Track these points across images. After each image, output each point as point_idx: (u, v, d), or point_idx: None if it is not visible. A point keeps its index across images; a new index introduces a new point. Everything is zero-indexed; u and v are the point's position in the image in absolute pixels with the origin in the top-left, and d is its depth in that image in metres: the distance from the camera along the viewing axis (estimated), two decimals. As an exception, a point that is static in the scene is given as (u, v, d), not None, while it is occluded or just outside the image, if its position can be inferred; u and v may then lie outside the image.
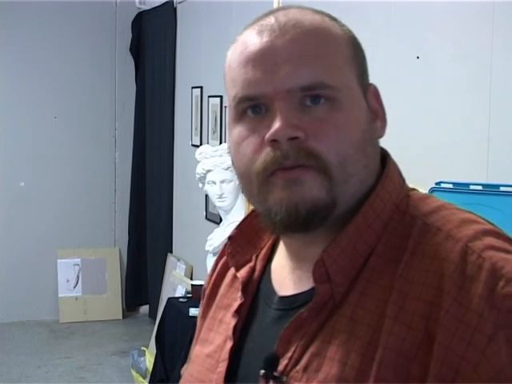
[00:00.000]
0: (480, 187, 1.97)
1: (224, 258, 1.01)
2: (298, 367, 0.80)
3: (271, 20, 0.84)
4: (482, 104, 2.23)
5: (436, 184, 2.06)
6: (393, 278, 0.79)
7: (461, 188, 2.00)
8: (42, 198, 5.74)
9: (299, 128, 0.80)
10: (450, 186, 2.03)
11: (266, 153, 0.81)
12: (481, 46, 2.23)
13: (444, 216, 0.82)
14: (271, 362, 0.81)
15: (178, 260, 4.96)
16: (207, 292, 1.02)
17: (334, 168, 0.80)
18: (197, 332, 1.01)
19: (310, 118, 0.81)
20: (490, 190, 1.95)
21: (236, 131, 0.86)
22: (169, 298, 3.87)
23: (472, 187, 1.99)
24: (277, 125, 0.80)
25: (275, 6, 2.76)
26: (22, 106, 5.65)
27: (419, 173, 2.39)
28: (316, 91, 0.81)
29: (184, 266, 4.81)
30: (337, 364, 0.77)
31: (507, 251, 0.77)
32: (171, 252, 5.22)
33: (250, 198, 0.88)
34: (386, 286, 0.79)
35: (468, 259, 0.76)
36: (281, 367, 0.81)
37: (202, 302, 1.03)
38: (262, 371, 0.82)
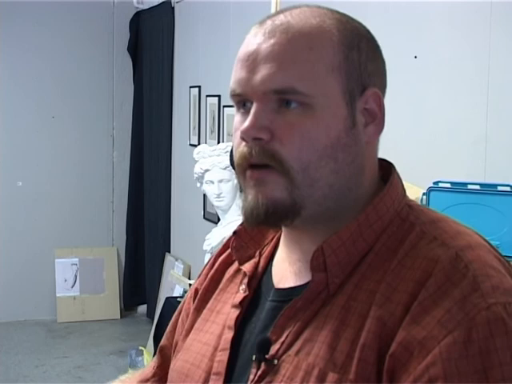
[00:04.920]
0: (478, 187, 1.97)
1: (224, 256, 1.06)
2: (290, 351, 0.85)
3: (268, 22, 0.89)
4: (479, 103, 2.23)
5: (434, 183, 2.05)
6: (385, 273, 0.84)
7: (458, 187, 2.00)
8: (40, 197, 5.73)
9: (266, 130, 0.86)
10: (448, 185, 2.03)
11: (241, 147, 0.88)
12: (478, 46, 2.23)
13: (441, 227, 0.87)
14: (263, 347, 0.86)
15: (176, 260, 4.96)
16: (204, 285, 1.05)
17: (295, 172, 0.86)
18: (188, 324, 1.04)
19: (282, 121, 0.86)
20: (488, 189, 1.95)
21: (235, 120, 0.92)
22: (167, 298, 3.87)
23: (470, 187, 1.99)
24: (245, 124, 0.87)
25: (272, 5, 2.76)
26: (19, 106, 5.64)
27: (417, 172, 2.40)
28: (287, 96, 0.86)
29: (182, 266, 4.81)
30: (326, 347, 0.82)
31: (493, 267, 0.82)
32: (169, 252, 5.22)
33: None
34: (378, 279, 0.84)
35: (455, 265, 0.81)
36: (272, 351, 0.86)
37: (197, 296, 1.05)
38: (254, 356, 0.87)
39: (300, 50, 0.86)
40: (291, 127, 0.86)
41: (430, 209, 0.95)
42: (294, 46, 0.86)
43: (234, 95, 0.90)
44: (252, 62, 0.87)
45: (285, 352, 0.85)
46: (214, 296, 1.02)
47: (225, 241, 1.07)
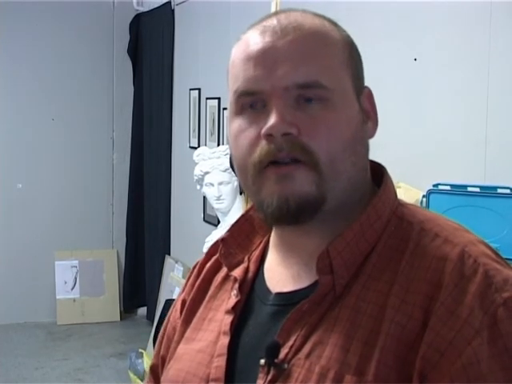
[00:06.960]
0: (477, 189, 1.97)
1: (209, 263, 1.04)
2: (300, 354, 0.84)
3: (273, 22, 0.89)
4: (479, 106, 2.23)
5: (433, 186, 2.05)
6: (394, 274, 0.84)
7: (458, 190, 2.00)
8: (40, 199, 5.73)
9: (293, 124, 0.85)
10: (448, 187, 2.02)
11: (262, 146, 0.86)
12: (478, 48, 2.24)
13: (439, 224, 0.88)
14: (272, 351, 0.85)
15: (176, 262, 4.95)
16: (192, 296, 1.03)
17: (324, 165, 0.85)
18: (177, 336, 1.02)
19: (304, 116, 0.86)
20: (488, 191, 1.95)
21: (236, 124, 0.90)
22: (166, 300, 3.87)
23: (469, 189, 1.99)
24: (272, 120, 0.85)
25: (273, 7, 2.76)
26: (19, 108, 5.64)
27: (417, 174, 2.40)
28: (310, 90, 0.86)
29: (182, 268, 4.80)
30: (339, 349, 0.82)
31: (496, 261, 0.84)
32: (169, 254, 5.22)
33: (245, 188, 0.92)
34: (387, 280, 0.84)
35: (465, 262, 0.82)
36: (282, 355, 0.85)
37: (185, 306, 1.04)
38: (263, 360, 0.85)
39: (317, 46, 0.87)
40: (316, 121, 0.86)
41: (420, 207, 0.97)
42: (311, 42, 0.87)
43: (244, 94, 0.88)
44: (269, 58, 0.86)
45: (294, 355, 0.84)
46: (203, 304, 1.01)
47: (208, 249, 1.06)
